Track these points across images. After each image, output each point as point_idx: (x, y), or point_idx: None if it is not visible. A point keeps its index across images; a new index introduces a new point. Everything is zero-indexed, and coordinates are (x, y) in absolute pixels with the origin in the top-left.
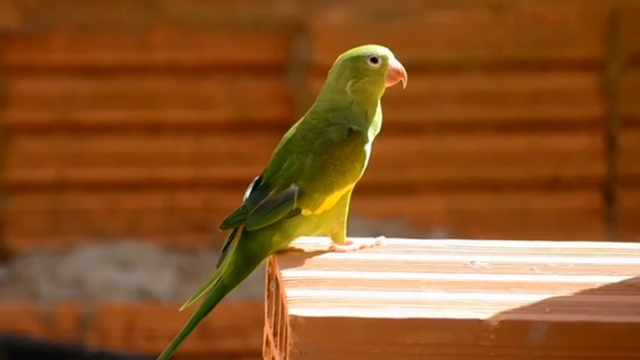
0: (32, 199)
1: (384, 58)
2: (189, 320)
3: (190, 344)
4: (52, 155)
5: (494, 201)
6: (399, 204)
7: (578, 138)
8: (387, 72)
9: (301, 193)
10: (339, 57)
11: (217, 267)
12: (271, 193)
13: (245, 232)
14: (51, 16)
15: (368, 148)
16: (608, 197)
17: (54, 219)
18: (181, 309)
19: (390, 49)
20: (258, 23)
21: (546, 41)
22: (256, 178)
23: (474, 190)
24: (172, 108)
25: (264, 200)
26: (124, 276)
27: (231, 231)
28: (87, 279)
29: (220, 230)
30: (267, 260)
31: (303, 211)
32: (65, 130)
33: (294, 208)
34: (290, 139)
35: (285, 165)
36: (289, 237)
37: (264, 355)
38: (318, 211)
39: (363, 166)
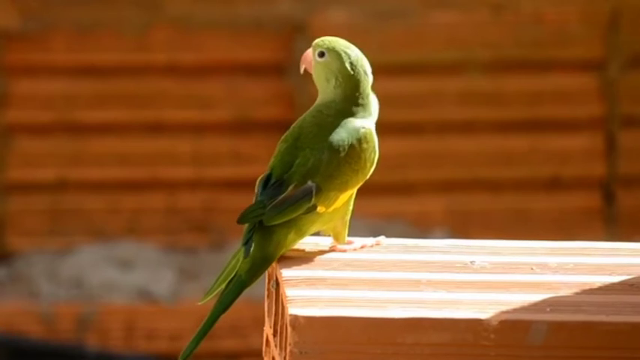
0: (32, 199)
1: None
2: (207, 317)
3: None
4: (52, 155)
5: (494, 201)
6: (399, 204)
7: (578, 138)
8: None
9: (318, 190)
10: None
11: (245, 257)
12: (289, 188)
13: (261, 230)
14: (51, 16)
15: (377, 146)
16: (608, 197)
17: (54, 219)
18: (200, 303)
19: (390, 49)
20: (258, 23)
21: (546, 41)
22: (262, 176)
23: (474, 190)
24: (172, 108)
25: (283, 195)
26: (123, 276)
27: (248, 225)
28: (87, 279)
29: (238, 224)
30: None
31: (319, 208)
32: (65, 130)
33: (311, 204)
34: (299, 136)
35: (297, 162)
36: (303, 234)
37: (264, 354)
38: (330, 209)
39: (373, 165)
